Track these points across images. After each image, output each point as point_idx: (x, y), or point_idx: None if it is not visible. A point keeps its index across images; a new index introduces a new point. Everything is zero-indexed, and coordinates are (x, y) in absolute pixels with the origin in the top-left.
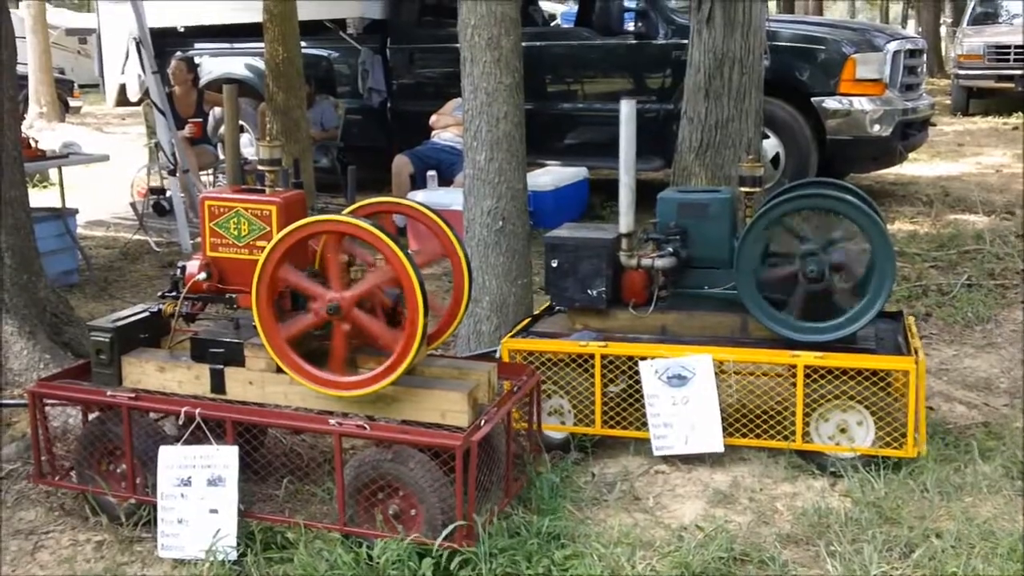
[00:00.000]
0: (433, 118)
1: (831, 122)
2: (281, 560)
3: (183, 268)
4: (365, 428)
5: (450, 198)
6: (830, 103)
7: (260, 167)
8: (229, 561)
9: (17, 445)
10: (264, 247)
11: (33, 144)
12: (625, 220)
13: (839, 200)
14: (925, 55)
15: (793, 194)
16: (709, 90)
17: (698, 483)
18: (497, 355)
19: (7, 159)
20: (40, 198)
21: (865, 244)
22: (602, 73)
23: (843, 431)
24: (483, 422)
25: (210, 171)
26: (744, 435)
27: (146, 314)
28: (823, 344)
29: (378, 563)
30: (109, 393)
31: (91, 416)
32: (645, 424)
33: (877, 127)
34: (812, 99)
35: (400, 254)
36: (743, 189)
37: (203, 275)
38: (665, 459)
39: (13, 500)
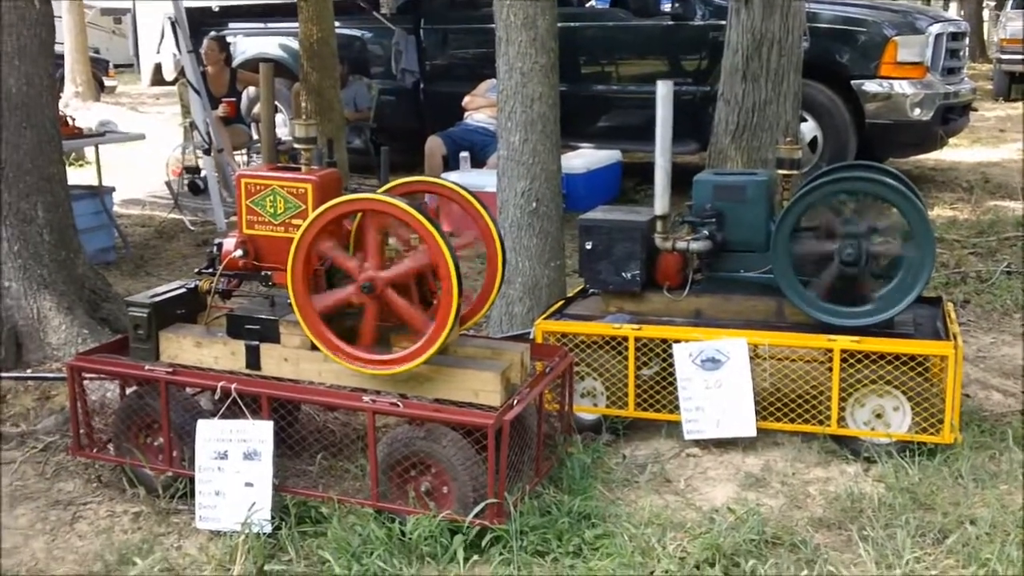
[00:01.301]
0: (466, 99)
1: (871, 106)
2: (315, 534)
3: (219, 245)
4: (398, 406)
5: (483, 180)
6: (870, 86)
7: (296, 145)
8: (264, 533)
9: (56, 418)
10: (299, 225)
11: (70, 122)
12: (660, 202)
13: (880, 184)
14: (968, 38)
15: (832, 177)
16: (747, 72)
17: (730, 466)
18: (530, 336)
19: (45, 137)
20: (77, 176)
21: (905, 228)
22: (637, 55)
23: (879, 416)
24: (515, 402)
25: (243, 151)
26: (777, 419)
27: (183, 290)
28: (860, 329)
29: (410, 539)
30: (147, 368)
31: (129, 390)
32: (677, 407)
33: (918, 111)
34: (852, 82)
35: (435, 233)
36: (781, 172)
37: (239, 252)
38: (697, 442)
39: (52, 471)
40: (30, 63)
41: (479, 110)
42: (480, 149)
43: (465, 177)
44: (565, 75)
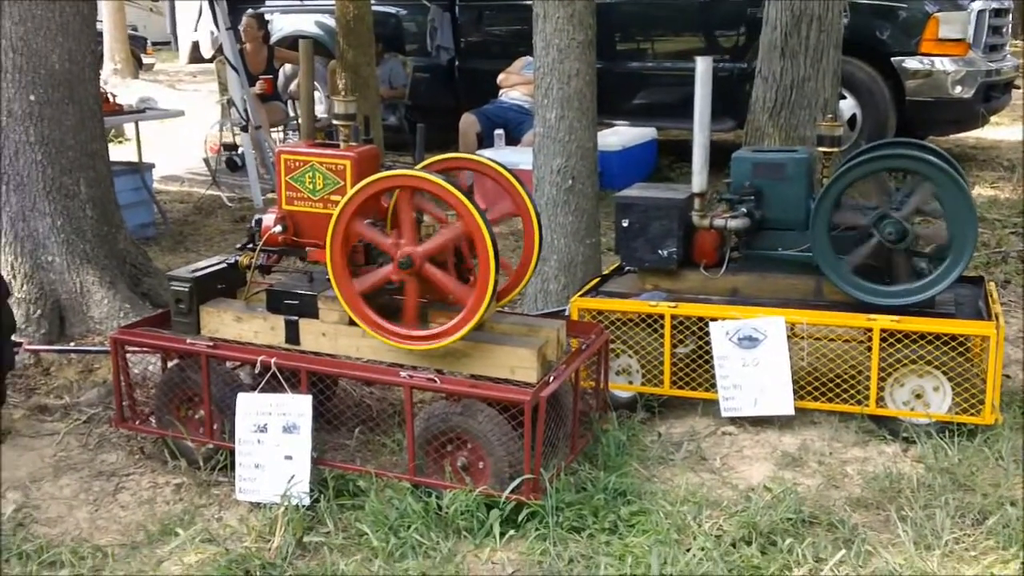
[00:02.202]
0: (501, 76)
1: (911, 83)
2: (353, 507)
3: (259, 221)
4: (435, 381)
5: (517, 157)
6: (910, 63)
7: (335, 122)
8: (303, 506)
9: (98, 390)
10: (338, 201)
11: (111, 99)
12: (698, 180)
13: (922, 161)
14: (1011, 15)
15: (874, 154)
16: (785, 48)
17: (766, 445)
18: (566, 314)
19: (88, 113)
20: (116, 153)
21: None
22: (673, 31)
23: (918, 396)
24: (552, 379)
25: (280, 128)
26: (815, 399)
27: (223, 265)
28: (900, 308)
29: (447, 513)
30: (189, 341)
31: (170, 363)
32: (713, 385)
33: (959, 88)
34: (892, 59)
35: (473, 209)
36: (821, 149)
37: (279, 228)
38: (733, 421)
39: (95, 443)
40: (72, 39)
41: (514, 88)
42: (515, 127)
43: (500, 154)
44: (600, 51)
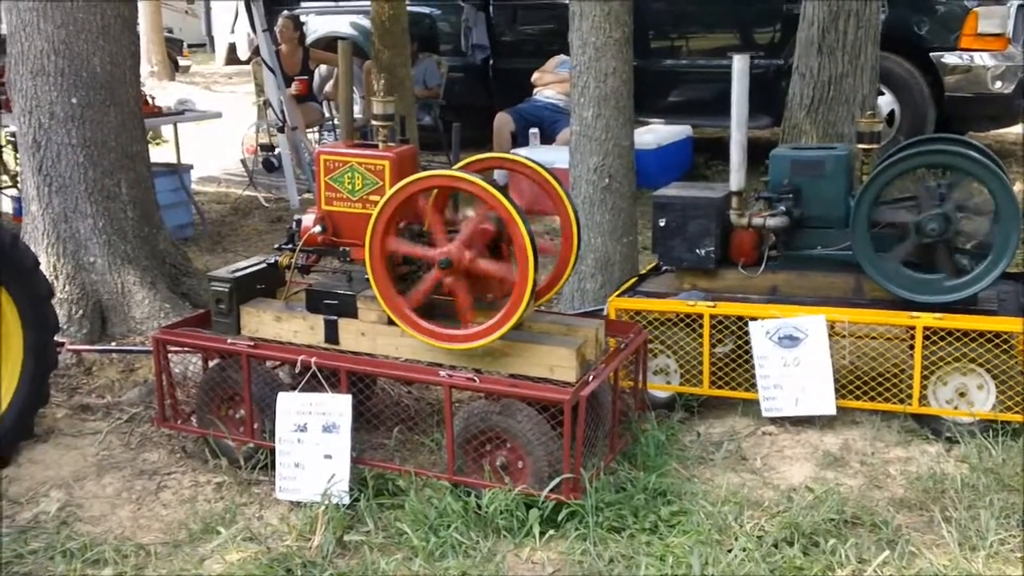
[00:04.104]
0: (535, 75)
1: (950, 78)
2: (392, 506)
3: (299, 221)
4: (475, 380)
5: (552, 156)
6: (950, 58)
7: (373, 122)
8: (343, 505)
9: (139, 390)
10: (377, 201)
11: (150, 101)
12: (736, 178)
13: (964, 157)
14: None
15: (915, 150)
16: (823, 44)
17: (807, 445)
18: (603, 313)
19: (129, 115)
20: (154, 155)
21: (989, 203)
22: (708, 28)
23: (962, 395)
24: (591, 378)
25: (316, 128)
26: (856, 398)
27: (263, 266)
28: (942, 305)
29: (486, 512)
30: (229, 341)
31: (211, 363)
32: (753, 385)
33: (999, 84)
34: (931, 54)
35: (512, 209)
36: (860, 146)
37: (318, 228)
38: (773, 420)
39: (137, 442)
40: (114, 42)
41: (548, 86)
42: (549, 125)
43: (534, 153)
44: (635, 50)
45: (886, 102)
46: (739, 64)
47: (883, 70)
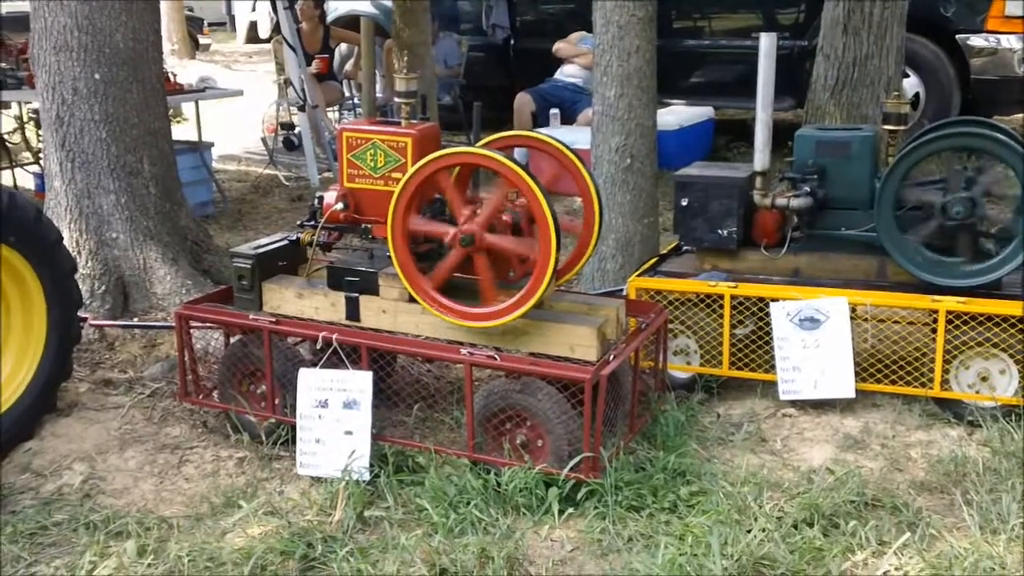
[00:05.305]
0: (557, 45)
1: (976, 61)
2: (412, 483)
3: (321, 199)
4: (496, 359)
5: (573, 136)
6: (976, 41)
7: (396, 99)
8: (363, 481)
9: (161, 365)
10: (399, 179)
11: (172, 78)
12: (760, 158)
13: (991, 139)
14: None
15: (941, 132)
16: (848, 25)
17: (827, 427)
18: (623, 293)
19: (151, 92)
20: (175, 132)
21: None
22: (731, 8)
23: (984, 379)
24: (612, 357)
25: (336, 107)
26: (877, 381)
27: (285, 243)
28: (965, 289)
29: (506, 490)
30: (251, 317)
31: (233, 339)
32: (772, 367)
33: None
34: (956, 36)
35: (535, 188)
36: (887, 127)
37: (340, 205)
38: (793, 403)
39: (159, 417)
40: (136, 18)
41: (570, 63)
42: (570, 105)
43: (555, 133)
44: (657, 30)
45: (911, 84)
46: (766, 43)
47: (908, 52)
